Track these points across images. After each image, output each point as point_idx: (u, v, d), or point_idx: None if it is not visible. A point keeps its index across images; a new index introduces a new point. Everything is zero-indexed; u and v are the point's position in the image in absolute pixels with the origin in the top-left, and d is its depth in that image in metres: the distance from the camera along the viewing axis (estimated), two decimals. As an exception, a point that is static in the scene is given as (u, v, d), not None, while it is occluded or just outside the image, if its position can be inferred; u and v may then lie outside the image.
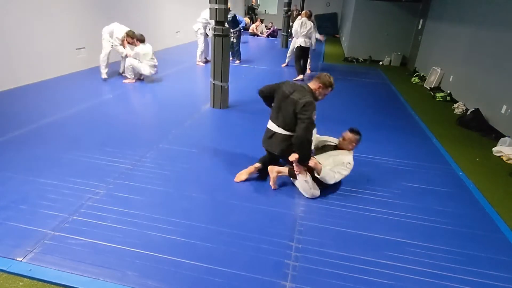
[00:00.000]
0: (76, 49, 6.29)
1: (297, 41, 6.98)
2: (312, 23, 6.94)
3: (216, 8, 4.36)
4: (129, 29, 5.79)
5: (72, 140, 3.57)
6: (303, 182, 2.76)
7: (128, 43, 5.79)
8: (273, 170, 2.89)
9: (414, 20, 9.69)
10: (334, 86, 2.90)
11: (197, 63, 8.02)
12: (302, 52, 7.01)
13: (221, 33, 4.50)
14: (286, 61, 8.33)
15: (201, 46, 7.88)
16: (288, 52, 8.15)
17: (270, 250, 2.19)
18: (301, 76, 7.03)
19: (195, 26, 7.78)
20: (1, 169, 2.91)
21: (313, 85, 2.88)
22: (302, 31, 6.80)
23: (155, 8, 8.98)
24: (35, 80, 5.48)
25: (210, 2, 4.41)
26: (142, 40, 5.77)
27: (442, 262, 2.20)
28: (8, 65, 5.00)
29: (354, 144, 2.97)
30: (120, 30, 5.73)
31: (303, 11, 7.10)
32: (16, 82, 5.16)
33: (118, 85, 5.76)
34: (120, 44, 5.76)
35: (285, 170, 2.91)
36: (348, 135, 2.96)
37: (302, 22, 6.82)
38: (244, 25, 13.20)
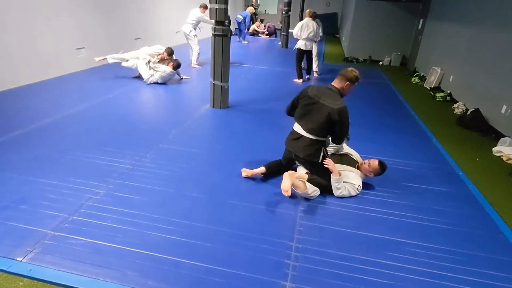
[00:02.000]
0: (76, 49, 6.29)
1: (298, 43, 6.74)
2: (316, 24, 6.62)
3: (216, 8, 4.37)
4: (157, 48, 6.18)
5: (72, 140, 3.57)
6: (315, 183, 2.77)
7: (162, 59, 6.19)
8: (291, 177, 2.62)
9: (414, 20, 9.69)
10: (360, 78, 2.78)
11: (193, 65, 7.62)
12: (302, 55, 6.82)
13: (221, 33, 4.50)
14: None
15: (197, 48, 7.48)
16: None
17: (270, 250, 2.19)
18: (300, 80, 6.95)
19: (185, 28, 7.30)
20: (1, 169, 2.91)
21: (339, 84, 2.77)
22: (303, 35, 6.55)
23: (155, 8, 8.98)
24: (35, 80, 5.48)
25: (210, 2, 4.41)
26: (177, 65, 6.22)
27: (441, 262, 2.20)
28: (8, 65, 5.00)
29: (373, 174, 2.98)
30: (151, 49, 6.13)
31: (307, 11, 6.69)
32: (16, 82, 5.16)
33: (118, 85, 5.76)
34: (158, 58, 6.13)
35: (301, 183, 2.70)
36: (375, 166, 2.93)
37: (303, 25, 6.53)
38: (249, 19, 13.15)
